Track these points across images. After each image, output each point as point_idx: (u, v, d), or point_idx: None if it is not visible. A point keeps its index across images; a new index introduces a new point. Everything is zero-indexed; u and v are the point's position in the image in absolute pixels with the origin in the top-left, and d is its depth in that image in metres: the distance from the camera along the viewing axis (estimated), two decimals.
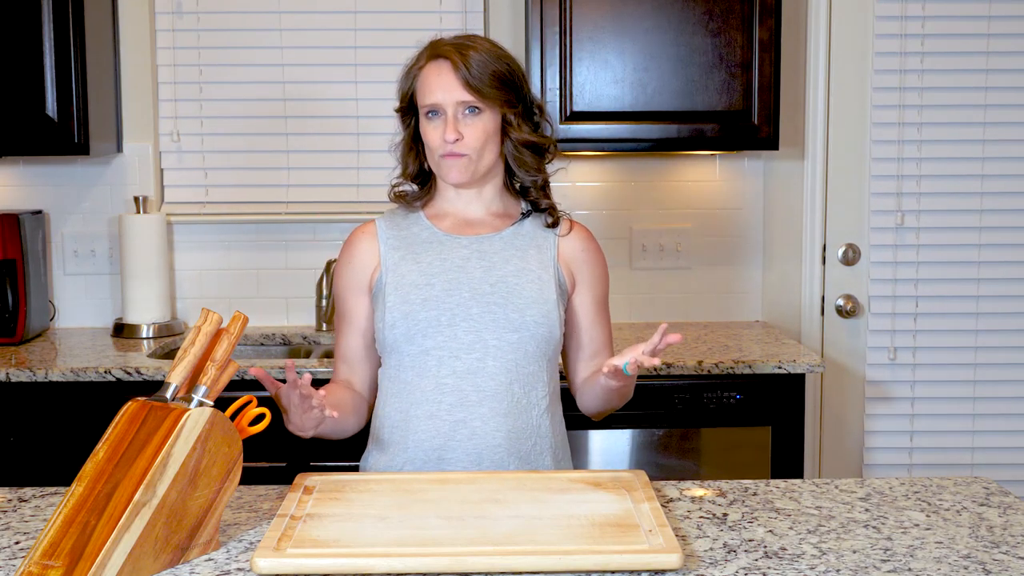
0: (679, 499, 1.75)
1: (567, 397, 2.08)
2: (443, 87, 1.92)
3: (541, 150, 2.01)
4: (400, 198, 2.05)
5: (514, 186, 2.05)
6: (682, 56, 3.03)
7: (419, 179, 2.05)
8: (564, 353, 2.08)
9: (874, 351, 3.38)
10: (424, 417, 1.93)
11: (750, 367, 2.83)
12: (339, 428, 1.97)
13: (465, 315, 1.93)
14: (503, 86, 1.94)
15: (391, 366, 1.98)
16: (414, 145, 2.02)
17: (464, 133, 1.92)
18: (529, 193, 2.03)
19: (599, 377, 1.92)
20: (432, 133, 1.94)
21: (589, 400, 2.04)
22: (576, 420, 2.25)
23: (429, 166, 2.02)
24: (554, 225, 2.02)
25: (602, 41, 3.03)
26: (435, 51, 1.95)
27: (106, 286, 3.38)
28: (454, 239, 1.99)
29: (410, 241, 2.00)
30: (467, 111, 1.93)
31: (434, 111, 1.94)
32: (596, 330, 2.06)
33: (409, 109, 2.01)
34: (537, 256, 1.99)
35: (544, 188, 2.04)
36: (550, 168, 2.05)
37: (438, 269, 1.96)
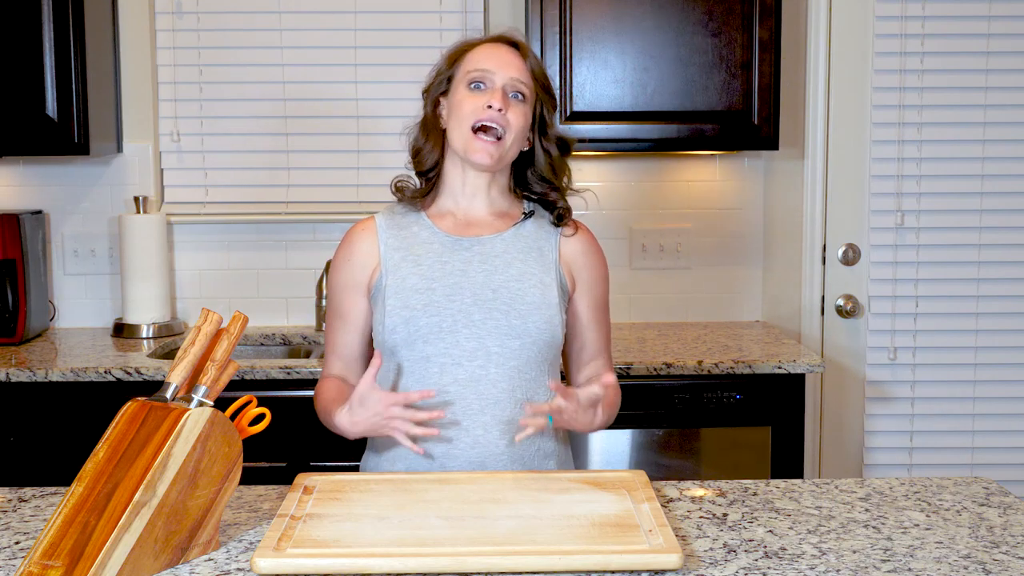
0: (679, 499, 1.75)
1: None
2: (502, 62, 1.94)
3: (568, 148, 2.03)
4: (400, 191, 2.03)
5: (516, 190, 2.04)
6: (682, 56, 3.03)
7: (427, 172, 2.02)
8: (562, 355, 2.07)
9: (874, 351, 3.38)
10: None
11: (750, 367, 2.83)
12: None
13: (467, 321, 1.92)
14: (548, 83, 2.00)
15: (390, 370, 1.96)
16: (435, 125, 2.00)
17: (508, 111, 1.92)
18: (547, 195, 2.02)
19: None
20: (471, 101, 1.92)
21: None
22: None
23: (438, 162, 2.00)
24: (558, 225, 2.02)
25: (602, 41, 3.03)
26: (498, 36, 2.00)
27: (106, 286, 3.38)
28: (456, 241, 1.98)
29: (411, 241, 1.98)
30: (512, 95, 1.94)
31: (480, 83, 1.93)
32: (594, 332, 2.05)
33: (436, 88, 1.99)
34: (539, 259, 1.98)
35: (559, 191, 2.03)
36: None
37: (439, 273, 1.94)
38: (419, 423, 1.82)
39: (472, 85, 1.94)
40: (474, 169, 1.96)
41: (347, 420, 1.85)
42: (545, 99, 1.99)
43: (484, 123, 1.91)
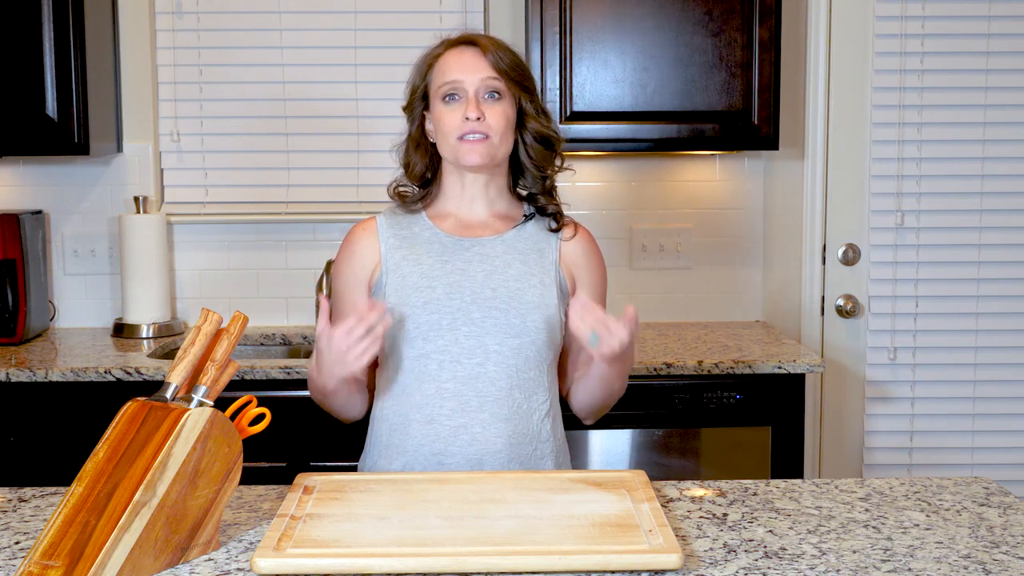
0: (679, 499, 1.75)
1: (564, 401, 2.08)
2: (466, 67, 1.93)
3: (553, 144, 2.01)
4: (400, 196, 2.04)
5: (517, 192, 2.05)
6: (682, 56, 3.03)
7: (422, 180, 2.04)
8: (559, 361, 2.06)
9: (874, 351, 3.38)
10: (423, 421, 1.93)
11: (750, 367, 2.83)
12: (350, 403, 1.98)
13: (466, 319, 1.92)
14: (523, 75, 1.97)
15: (389, 367, 1.97)
16: (422, 141, 2.01)
17: (486, 114, 1.92)
18: (537, 200, 2.02)
19: (590, 366, 1.94)
20: (450, 116, 1.93)
21: (582, 396, 2.04)
22: (577, 420, 2.26)
23: (434, 168, 2.01)
24: (558, 229, 2.02)
25: (602, 41, 3.03)
26: (456, 40, 1.97)
27: (106, 286, 3.38)
28: (456, 241, 1.98)
29: (411, 241, 1.99)
30: (487, 96, 1.93)
31: (453, 94, 1.93)
32: None
33: (417, 105, 2.00)
34: (539, 260, 1.99)
35: (551, 191, 2.03)
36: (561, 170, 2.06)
37: (439, 272, 1.95)
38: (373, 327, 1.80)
39: (447, 98, 1.94)
40: (470, 172, 1.97)
41: (322, 373, 1.86)
42: (521, 94, 1.97)
43: (467, 135, 1.92)
